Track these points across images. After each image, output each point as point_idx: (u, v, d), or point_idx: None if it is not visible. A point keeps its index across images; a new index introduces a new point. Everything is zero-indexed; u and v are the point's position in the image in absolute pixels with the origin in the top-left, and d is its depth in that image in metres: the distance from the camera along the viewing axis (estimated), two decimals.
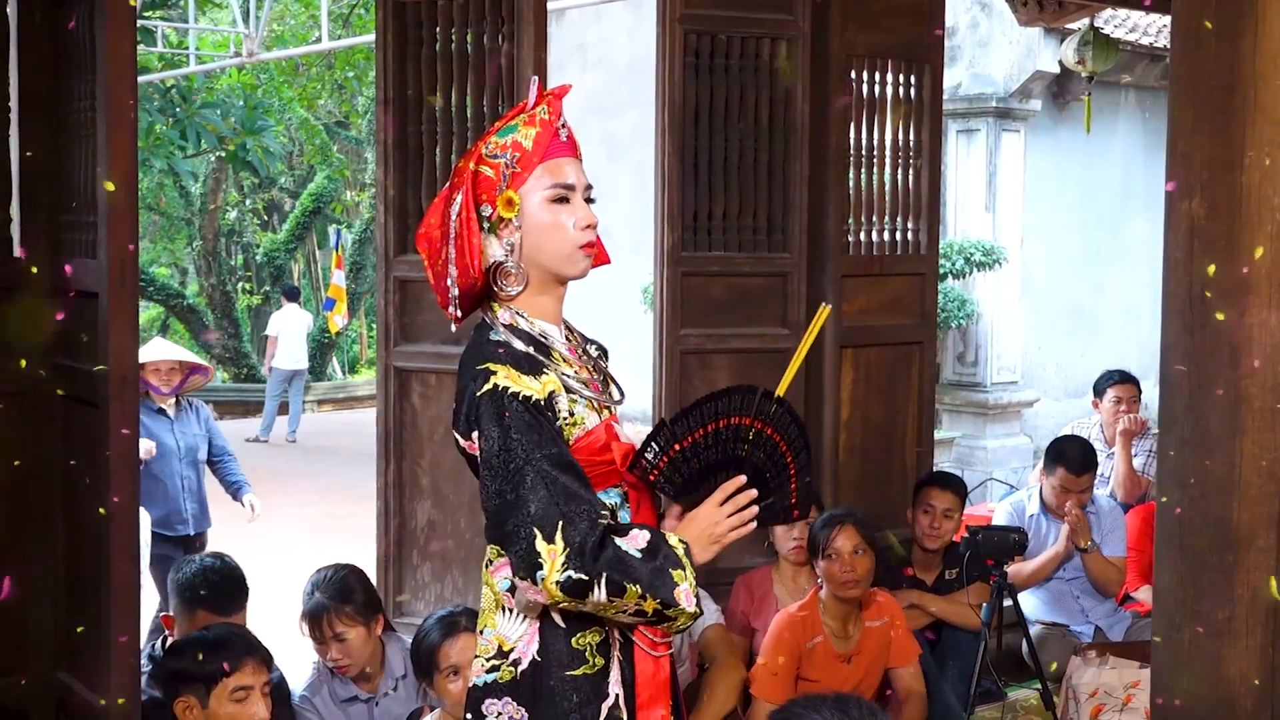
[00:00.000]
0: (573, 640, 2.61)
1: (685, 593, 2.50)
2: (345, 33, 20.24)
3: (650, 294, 6.37)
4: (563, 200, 2.65)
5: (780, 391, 2.66)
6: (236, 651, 3.68)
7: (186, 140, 19.24)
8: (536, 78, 2.77)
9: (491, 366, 2.55)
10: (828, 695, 2.09)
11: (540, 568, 2.44)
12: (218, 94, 20.87)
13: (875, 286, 6.03)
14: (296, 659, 4.70)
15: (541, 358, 2.61)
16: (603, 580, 2.44)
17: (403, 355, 5.37)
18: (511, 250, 2.65)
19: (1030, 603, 6.01)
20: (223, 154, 21.61)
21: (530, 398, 2.52)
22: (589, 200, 2.69)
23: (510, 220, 2.63)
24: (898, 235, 6.16)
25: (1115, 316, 13.00)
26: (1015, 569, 5.60)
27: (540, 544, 2.44)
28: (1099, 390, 7.19)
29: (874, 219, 6.07)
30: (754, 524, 2.66)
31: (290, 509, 11.57)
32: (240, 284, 26.73)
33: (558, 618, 2.60)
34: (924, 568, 5.66)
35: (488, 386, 2.53)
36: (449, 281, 2.67)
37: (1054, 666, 5.43)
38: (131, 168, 3.55)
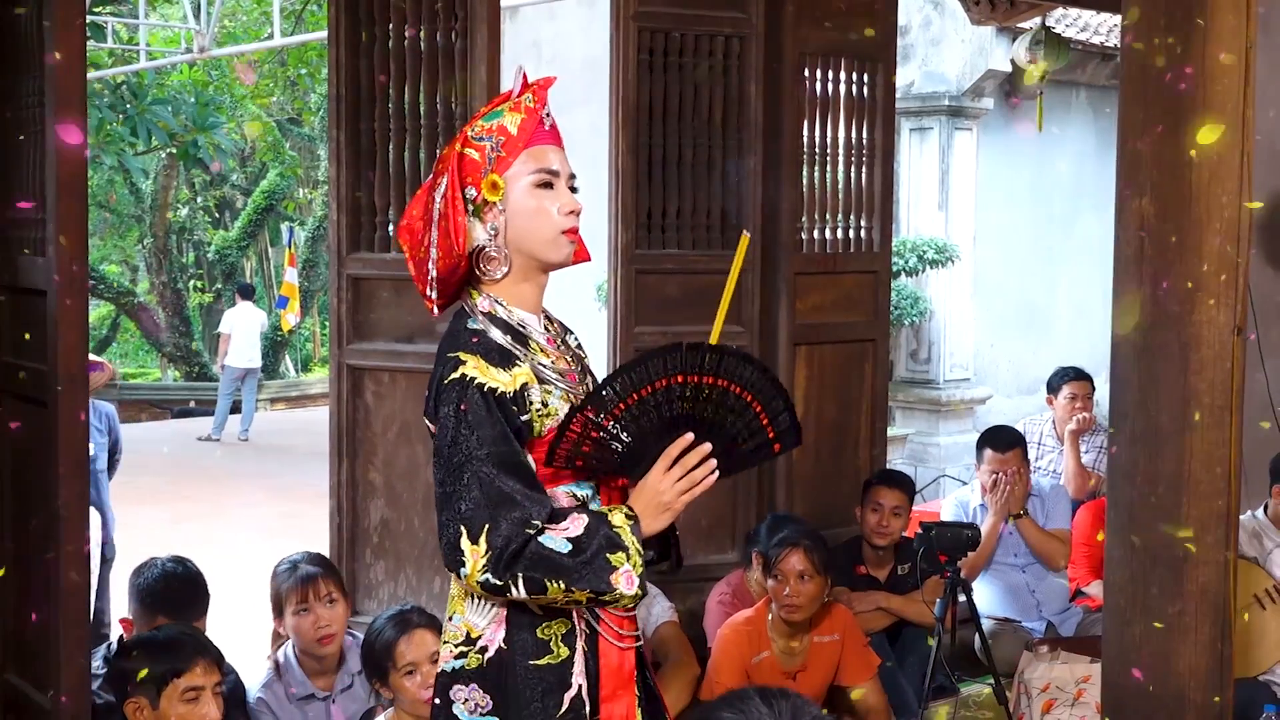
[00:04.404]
0: (538, 630, 2.62)
1: (625, 575, 2.50)
2: (298, 29, 20.13)
3: (604, 291, 6.36)
4: (547, 185, 2.65)
5: (714, 339, 2.61)
6: (187, 652, 3.65)
7: (137, 137, 19.09)
8: (521, 66, 2.76)
9: (462, 355, 2.56)
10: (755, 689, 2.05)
11: (463, 565, 2.49)
12: (169, 90, 20.71)
13: (828, 284, 6.05)
14: (251, 659, 4.67)
15: (517, 348, 2.61)
16: (519, 582, 2.47)
17: (356, 353, 5.34)
18: (495, 234, 2.65)
19: (985, 596, 6.05)
20: (173, 151, 21.46)
21: (495, 390, 2.53)
22: (572, 189, 2.70)
23: (494, 204, 2.64)
24: (851, 233, 6.18)
25: (1067, 314, 13.10)
26: None
27: (465, 543, 2.48)
28: (1053, 387, 7.23)
29: (827, 217, 6.09)
30: (712, 479, 2.62)
31: (243, 508, 11.52)
32: (192, 281, 26.55)
33: (530, 606, 2.60)
34: (876, 565, 5.67)
35: (454, 375, 2.54)
36: (430, 265, 2.66)
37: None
38: (80, 165, 3.52)
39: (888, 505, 5.57)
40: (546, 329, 2.75)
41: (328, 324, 5.97)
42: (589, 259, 2.80)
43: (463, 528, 2.48)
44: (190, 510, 11.20)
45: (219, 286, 25.80)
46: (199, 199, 27.42)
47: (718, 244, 5.79)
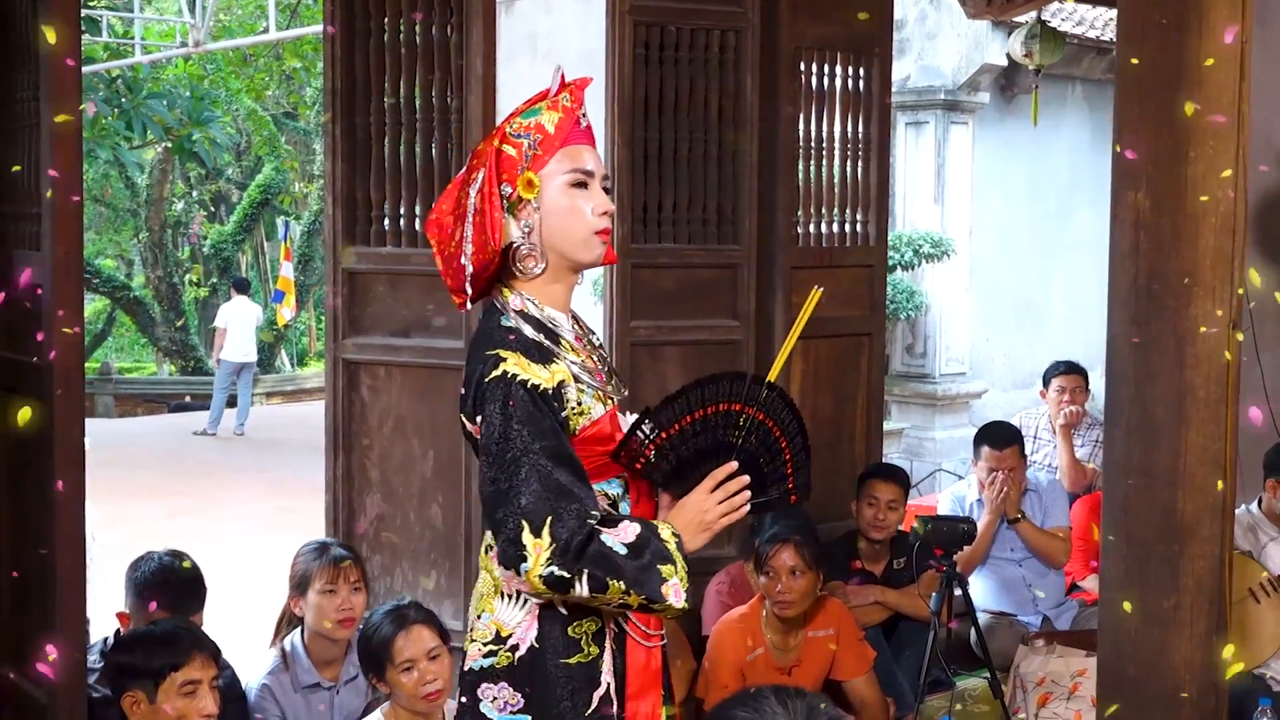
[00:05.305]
0: (569, 629, 2.63)
1: (674, 588, 2.52)
2: (293, 23, 20.09)
3: (600, 286, 6.36)
4: (581, 185, 2.66)
5: (772, 376, 2.68)
6: (184, 645, 3.65)
7: (132, 131, 19.10)
8: (560, 66, 2.76)
9: (502, 353, 2.56)
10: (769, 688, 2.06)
11: (525, 560, 2.47)
12: (164, 84, 20.71)
13: (824, 278, 5.96)
14: (247, 652, 4.67)
15: (551, 345, 2.62)
16: (584, 577, 2.46)
17: (351, 347, 5.34)
18: (529, 232, 2.66)
19: (981, 590, 6.05)
20: (169, 145, 21.45)
21: (538, 386, 2.53)
22: (605, 190, 2.71)
23: (529, 201, 2.64)
24: (847, 227, 6.17)
25: (1063, 308, 13.10)
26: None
27: (527, 537, 2.46)
28: (1047, 381, 7.24)
29: (823, 211, 6.09)
30: (746, 510, 2.67)
31: (238, 503, 11.51)
32: (187, 276, 26.53)
33: (558, 605, 2.62)
34: (871, 559, 5.67)
35: (496, 372, 2.54)
36: (463, 260, 2.65)
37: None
38: (76, 159, 3.51)
39: (883, 499, 5.57)
40: (574, 328, 2.76)
41: (323, 318, 5.97)
42: (615, 261, 2.82)
43: (524, 522, 2.47)
44: (186, 505, 11.19)
45: (214, 281, 25.79)
46: (194, 193, 27.40)
47: (714, 238, 5.79)
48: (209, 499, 11.62)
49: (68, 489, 3.49)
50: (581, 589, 2.46)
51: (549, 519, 2.46)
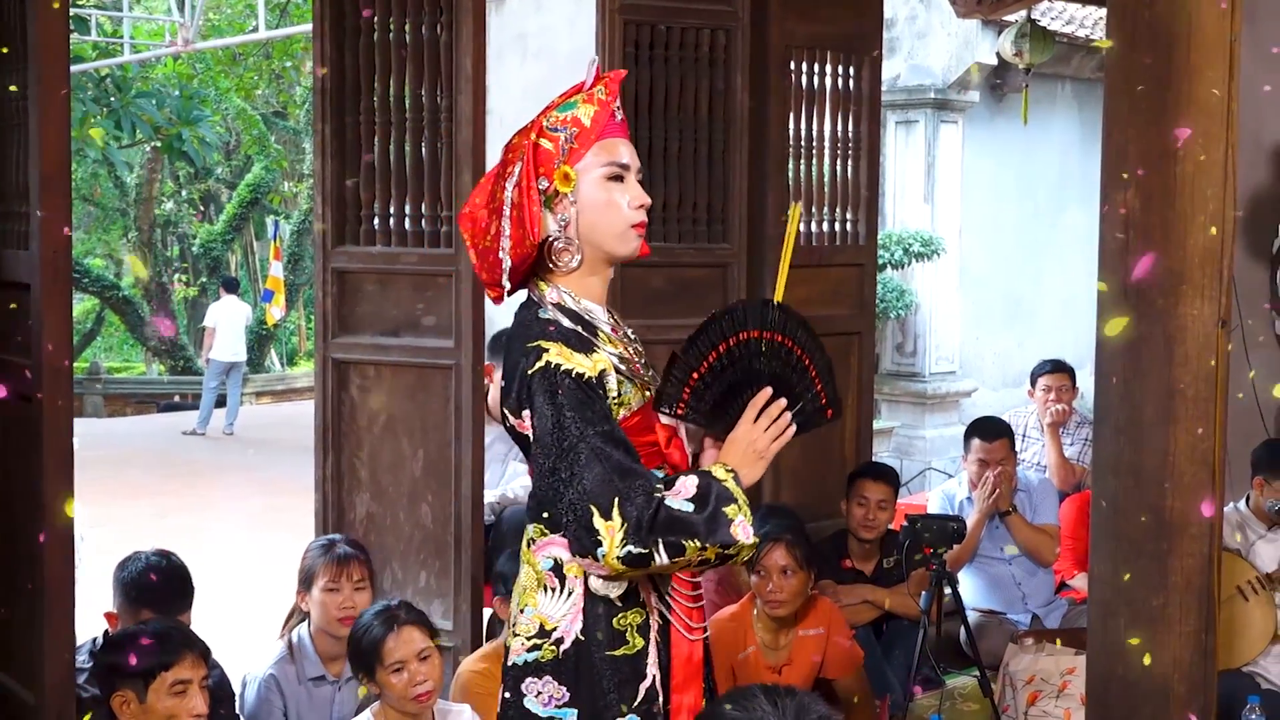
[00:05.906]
0: (614, 620, 2.64)
1: (741, 526, 2.52)
2: (282, 22, 20.07)
3: None
4: (617, 179, 2.69)
5: (777, 299, 2.71)
6: (174, 645, 3.64)
7: (121, 130, 19.05)
8: (595, 58, 2.77)
9: (543, 344, 2.57)
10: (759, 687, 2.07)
11: (600, 544, 2.48)
12: (153, 83, 20.68)
13: (814, 277, 6.04)
14: (237, 651, 4.66)
15: (589, 337, 2.64)
16: (661, 547, 2.47)
17: (341, 347, 5.33)
18: (565, 226, 2.67)
19: (971, 588, 6.06)
20: (158, 144, 21.41)
21: (583, 375, 2.55)
22: (639, 183, 2.73)
23: (565, 195, 2.66)
24: (837, 226, 6.18)
25: (1052, 306, 13.10)
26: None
27: (598, 521, 2.47)
28: (1034, 380, 7.26)
29: (813, 210, 6.09)
30: (793, 431, 2.68)
31: (228, 502, 11.51)
32: (176, 275, 26.49)
33: (603, 591, 2.63)
34: (861, 558, 5.68)
35: (540, 364, 2.55)
36: (501, 254, 2.67)
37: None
38: (64, 158, 3.50)
39: (874, 499, 5.57)
40: (610, 320, 2.78)
41: (313, 317, 5.96)
42: (649, 254, 2.83)
43: (593, 506, 2.48)
44: (175, 504, 11.18)
45: (204, 280, 25.74)
46: (184, 192, 27.36)
47: (703, 237, 5.79)
48: (198, 498, 11.61)
49: (57, 490, 3.48)
50: (660, 558, 2.48)
51: (616, 499, 2.47)
